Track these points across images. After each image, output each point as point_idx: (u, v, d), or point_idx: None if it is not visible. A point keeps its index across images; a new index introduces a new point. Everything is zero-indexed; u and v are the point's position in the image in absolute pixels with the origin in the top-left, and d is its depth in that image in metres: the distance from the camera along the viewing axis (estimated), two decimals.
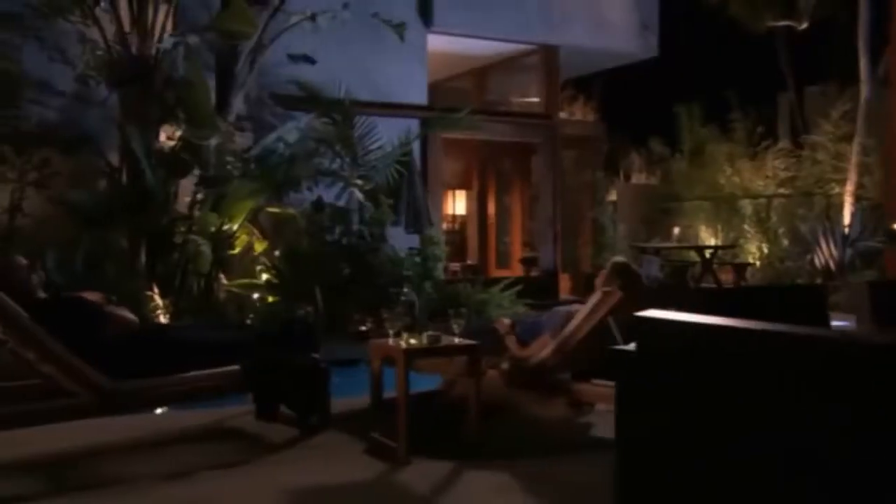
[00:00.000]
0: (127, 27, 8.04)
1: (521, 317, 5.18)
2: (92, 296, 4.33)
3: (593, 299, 4.42)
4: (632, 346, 1.90)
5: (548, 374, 4.70)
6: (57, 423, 4.08)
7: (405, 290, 4.61)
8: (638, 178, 16.12)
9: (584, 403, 4.98)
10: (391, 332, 4.33)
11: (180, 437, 4.66)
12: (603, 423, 4.93)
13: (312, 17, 8.51)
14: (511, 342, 4.81)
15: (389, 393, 4.55)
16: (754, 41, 17.64)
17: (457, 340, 4.32)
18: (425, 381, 5.14)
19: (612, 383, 4.51)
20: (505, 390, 4.82)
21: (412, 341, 4.25)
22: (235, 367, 4.46)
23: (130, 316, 4.40)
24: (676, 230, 14.08)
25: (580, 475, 4.01)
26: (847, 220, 11.86)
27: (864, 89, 12.46)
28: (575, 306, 4.75)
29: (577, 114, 15.56)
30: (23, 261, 4.16)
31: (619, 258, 4.92)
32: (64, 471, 4.04)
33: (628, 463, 1.90)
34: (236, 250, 8.47)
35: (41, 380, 4.09)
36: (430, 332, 4.32)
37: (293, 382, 4.64)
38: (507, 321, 5.01)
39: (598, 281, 4.70)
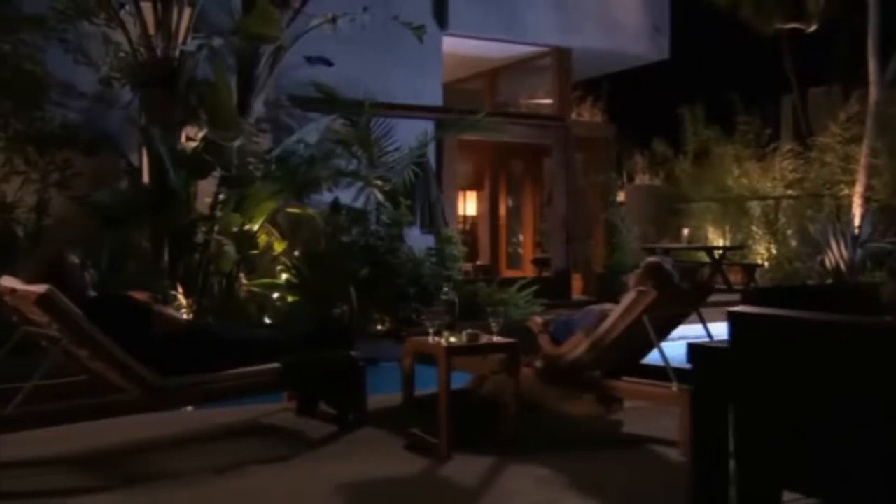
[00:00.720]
0: (151, 30, 8.13)
1: (555, 316, 5.28)
2: (139, 295, 4.43)
3: (628, 298, 4.51)
4: (717, 341, 1.99)
5: (581, 372, 4.79)
6: (105, 419, 4.17)
7: (445, 289, 4.70)
8: (641, 180, 16.25)
9: (615, 401, 5.07)
10: (431, 330, 4.43)
11: (219, 434, 4.75)
12: (631, 419, 5.04)
13: (333, 20, 8.59)
14: (544, 340, 4.91)
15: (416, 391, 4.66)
16: (757, 43, 17.74)
17: (496, 339, 4.42)
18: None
19: (643, 381, 4.65)
20: (536, 387, 4.91)
21: (452, 339, 4.34)
22: (276, 364, 4.56)
23: (177, 314, 4.49)
24: (686, 231, 14.18)
25: (618, 470, 4.12)
26: (857, 221, 11.96)
27: (874, 92, 12.56)
28: (608, 306, 4.85)
29: (585, 115, 15.69)
30: (76, 259, 4.25)
31: (653, 258, 5.02)
32: (114, 465, 4.12)
33: (710, 457, 1.98)
34: (259, 250, 8.56)
35: (91, 376, 4.20)
36: (469, 331, 4.41)
37: (332, 380, 4.74)
38: (539, 320, 5.11)
39: (632, 281, 4.80)
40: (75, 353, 4.05)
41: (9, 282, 4.03)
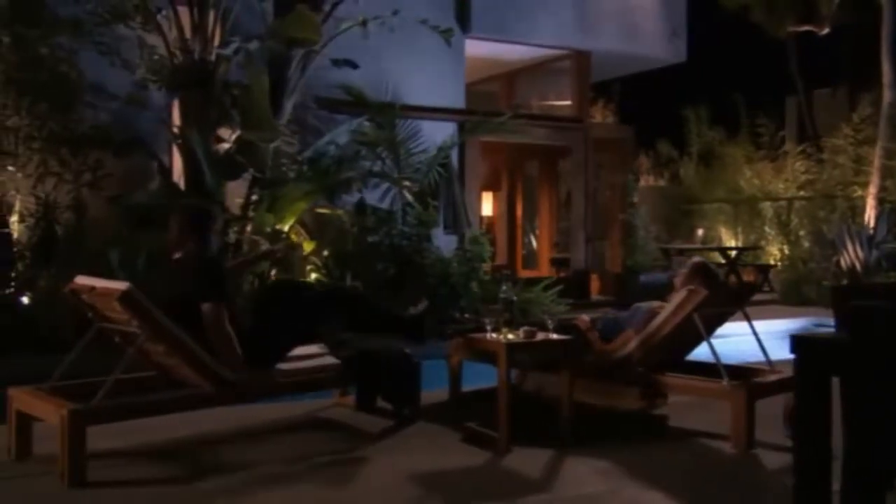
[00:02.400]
0: (188, 33, 8.26)
1: (601, 314, 5.42)
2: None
3: (678, 297, 4.66)
4: (827, 333, 2.12)
5: (628, 368, 4.93)
6: (178, 413, 4.31)
7: (504, 287, 4.84)
8: (646, 181, 16.42)
9: (659, 396, 5.20)
10: (489, 327, 4.57)
11: (280, 428, 4.88)
12: (675, 414, 5.18)
13: (364, 24, 8.71)
14: (594, 338, 5.05)
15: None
16: (761, 45, 17.92)
17: (553, 336, 4.56)
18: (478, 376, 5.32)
19: (692, 377, 4.79)
20: (584, 383, 5.04)
21: (510, 336, 4.48)
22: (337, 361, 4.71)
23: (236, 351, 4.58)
24: (700, 232, 14.32)
25: (674, 462, 4.27)
26: (872, 222, 12.10)
27: (887, 94, 12.70)
28: (655, 304, 4.99)
29: (597, 116, 15.86)
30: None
31: (698, 258, 5.17)
32: (189, 456, 4.27)
33: (815, 449, 2.10)
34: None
35: (160, 371, 4.34)
36: (526, 328, 4.55)
37: (390, 375, 4.88)
38: (586, 318, 5.25)
39: (678, 281, 4.95)
40: (149, 349, 4.18)
41: (86, 280, 4.17)
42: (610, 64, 13.25)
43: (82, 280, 4.19)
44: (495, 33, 11.70)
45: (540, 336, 4.55)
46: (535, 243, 14.98)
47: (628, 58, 13.15)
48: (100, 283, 4.08)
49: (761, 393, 4.52)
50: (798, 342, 2.12)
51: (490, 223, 14.84)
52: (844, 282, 11.72)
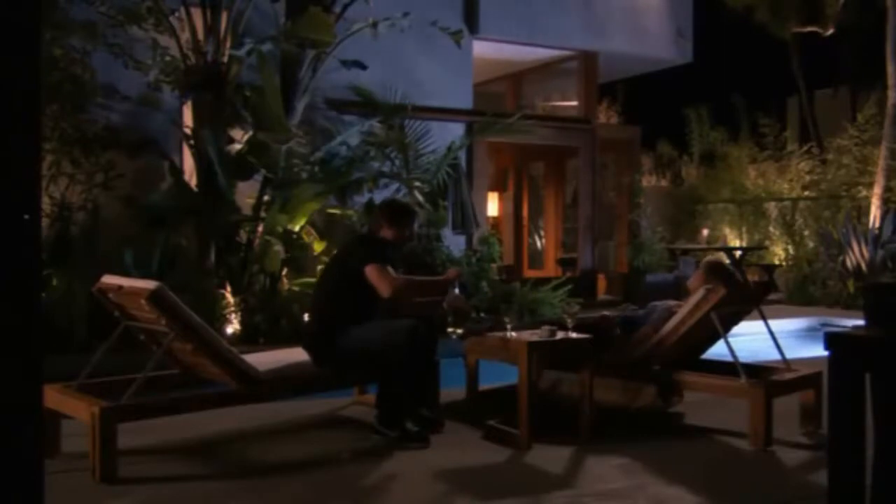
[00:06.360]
0: (200, 35, 8.32)
1: (618, 313, 5.47)
2: None
3: (696, 296, 4.71)
4: (863, 329, 2.18)
5: (644, 366, 4.98)
6: (206, 411, 4.37)
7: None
8: (648, 181, 16.49)
9: (675, 394, 5.26)
10: (508, 325, 4.62)
11: (301, 425, 4.93)
12: (691, 412, 5.23)
13: (374, 25, 8.77)
14: (617, 335, 5.10)
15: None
16: (763, 46, 17.99)
17: (573, 335, 4.61)
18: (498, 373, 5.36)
19: (709, 374, 4.84)
20: (604, 381, 5.09)
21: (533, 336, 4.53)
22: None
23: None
24: (706, 232, 14.37)
25: (694, 459, 4.33)
26: (877, 222, 12.14)
27: (892, 95, 12.73)
28: (672, 302, 5.04)
29: (601, 117, 15.92)
30: None
31: (712, 258, 5.22)
32: (214, 453, 4.32)
33: (849, 446, 2.15)
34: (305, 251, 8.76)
35: (184, 370, 4.40)
36: (546, 326, 4.61)
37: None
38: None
39: (693, 281, 5.01)
40: (176, 347, 4.23)
41: (114, 279, 4.22)
42: (617, 65, 13.31)
43: (110, 279, 4.24)
44: (503, 35, 11.75)
45: (560, 335, 4.60)
46: (540, 243, 15.04)
47: (635, 59, 13.22)
48: (127, 282, 4.14)
49: (779, 391, 4.57)
50: (832, 338, 2.17)
51: (495, 224, 14.90)
52: (850, 281, 11.77)
